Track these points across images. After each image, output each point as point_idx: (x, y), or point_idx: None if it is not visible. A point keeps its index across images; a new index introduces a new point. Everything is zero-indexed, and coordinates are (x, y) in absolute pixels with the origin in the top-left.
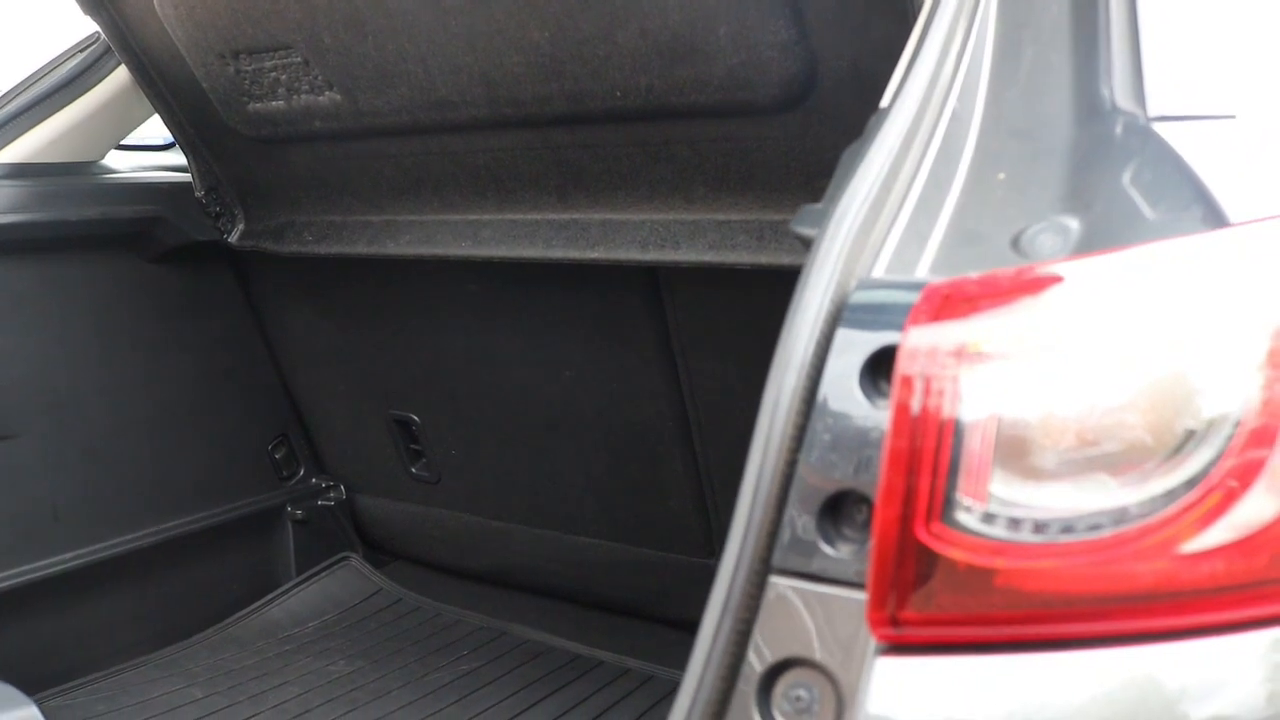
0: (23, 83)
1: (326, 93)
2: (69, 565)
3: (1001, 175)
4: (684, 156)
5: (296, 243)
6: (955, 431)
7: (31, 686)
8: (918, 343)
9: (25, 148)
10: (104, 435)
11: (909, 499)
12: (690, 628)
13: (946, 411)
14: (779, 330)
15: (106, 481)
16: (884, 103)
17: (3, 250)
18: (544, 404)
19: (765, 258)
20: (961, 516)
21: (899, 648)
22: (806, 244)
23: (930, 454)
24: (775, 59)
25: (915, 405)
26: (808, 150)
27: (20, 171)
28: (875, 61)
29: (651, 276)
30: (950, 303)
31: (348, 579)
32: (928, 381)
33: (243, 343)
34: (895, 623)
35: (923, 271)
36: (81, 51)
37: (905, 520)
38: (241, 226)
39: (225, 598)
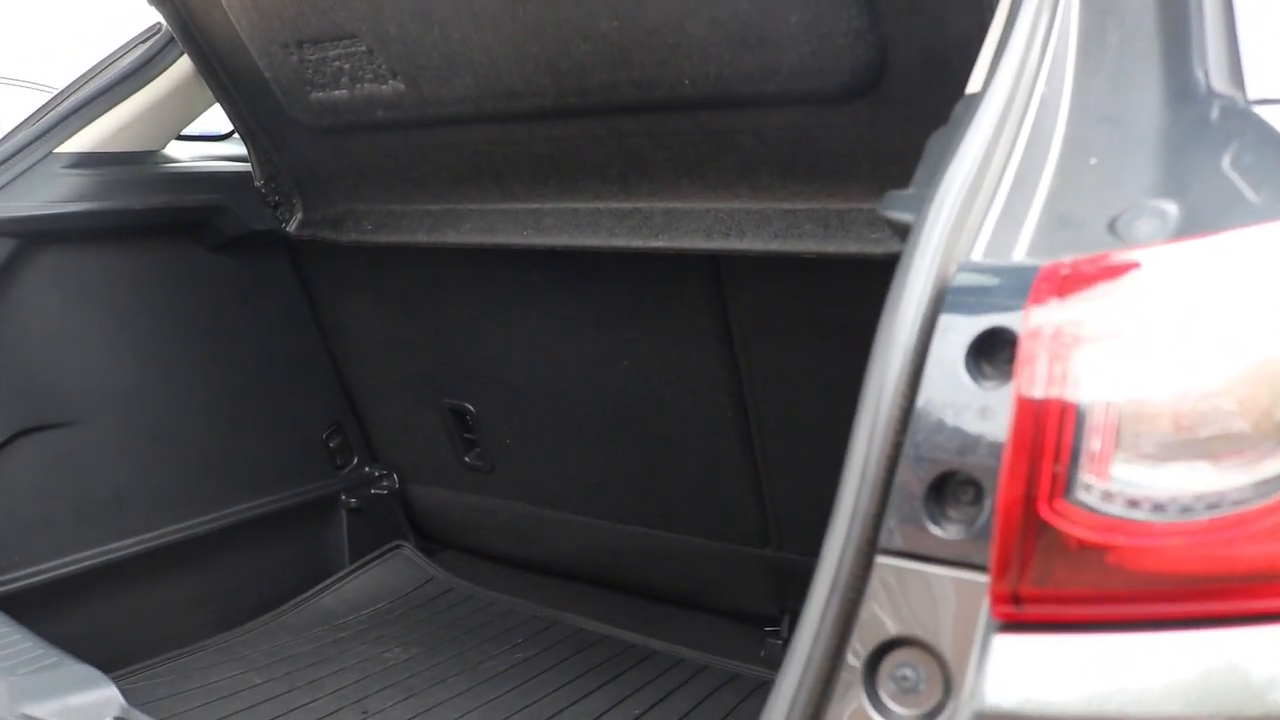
0: (87, 73)
1: (390, 82)
2: (131, 551)
3: (1093, 160)
4: (750, 145)
5: (355, 232)
6: (1077, 411)
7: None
8: (1040, 323)
9: (90, 137)
10: (165, 423)
11: (1032, 477)
12: (744, 617)
13: (1070, 391)
14: (840, 321)
15: (167, 469)
16: (972, 88)
17: (68, 238)
18: (601, 394)
19: (832, 246)
20: (1083, 495)
21: (1017, 625)
22: (899, 230)
23: (1054, 433)
24: (846, 46)
25: (1038, 385)
26: (876, 138)
27: (86, 161)
28: (946, 49)
29: (713, 266)
30: (1070, 283)
31: (400, 568)
32: (1051, 362)
33: (298, 331)
34: (1016, 600)
35: (1020, 255)
36: (145, 42)
37: (1029, 498)
38: (300, 216)
39: (281, 585)
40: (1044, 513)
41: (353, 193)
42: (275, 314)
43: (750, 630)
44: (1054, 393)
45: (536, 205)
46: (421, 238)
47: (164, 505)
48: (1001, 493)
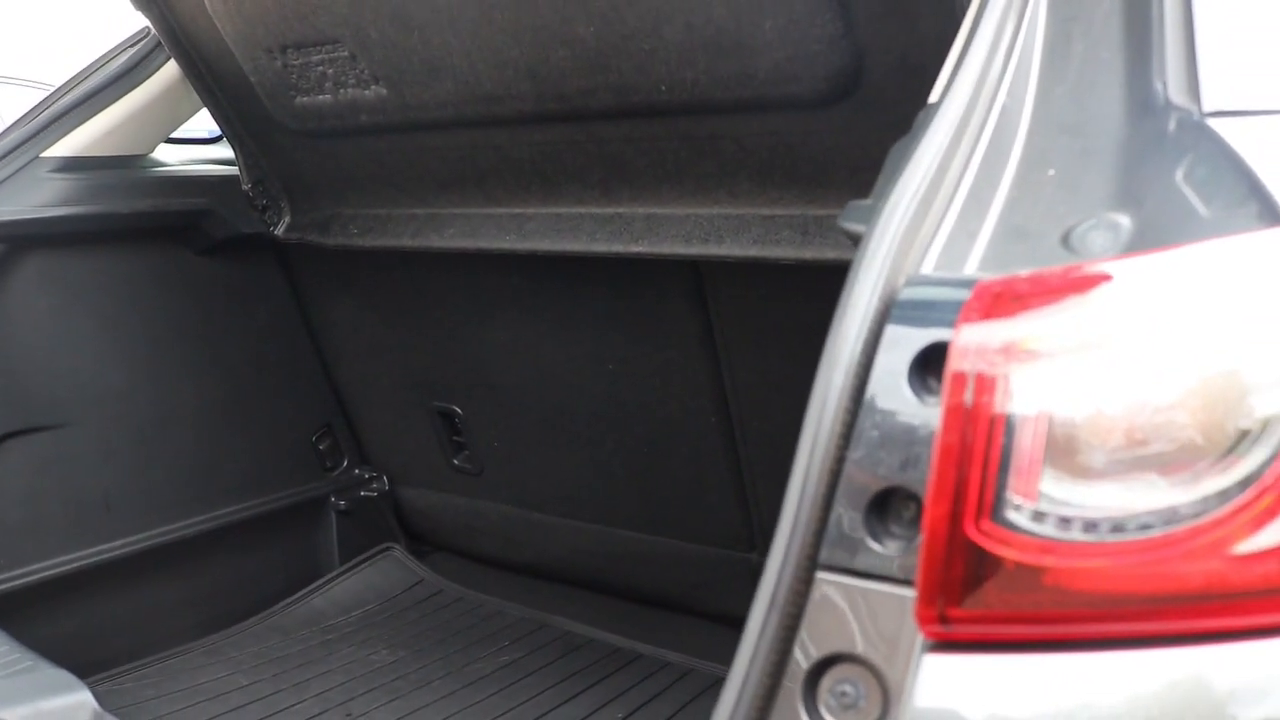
0: (75, 77)
1: (373, 87)
2: (119, 553)
3: (1051, 172)
4: (729, 151)
5: (342, 235)
6: (1006, 429)
7: (80, 672)
8: (969, 340)
9: (77, 141)
10: (153, 425)
11: (959, 496)
12: (729, 621)
13: (997, 409)
14: (823, 326)
15: (156, 471)
16: (932, 98)
17: (56, 242)
18: (586, 398)
19: (809, 253)
20: (1011, 515)
21: (947, 645)
22: (855, 240)
23: (981, 451)
24: (822, 53)
25: (966, 403)
26: (853, 144)
27: (73, 165)
28: (923, 55)
29: (695, 272)
30: (1001, 300)
31: (390, 570)
32: (979, 379)
33: (287, 334)
34: (944, 620)
35: (972, 268)
36: (132, 47)
37: (955, 518)
38: (287, 219)
39: (270, 587)
40: (970, 532)
41: (339, 197)
42: (264, 317)
43: (734, 633)
44: (982, 409)
45: (519, 210)
46: (406, 242)
47: (153, 507)
48: (928, 511)
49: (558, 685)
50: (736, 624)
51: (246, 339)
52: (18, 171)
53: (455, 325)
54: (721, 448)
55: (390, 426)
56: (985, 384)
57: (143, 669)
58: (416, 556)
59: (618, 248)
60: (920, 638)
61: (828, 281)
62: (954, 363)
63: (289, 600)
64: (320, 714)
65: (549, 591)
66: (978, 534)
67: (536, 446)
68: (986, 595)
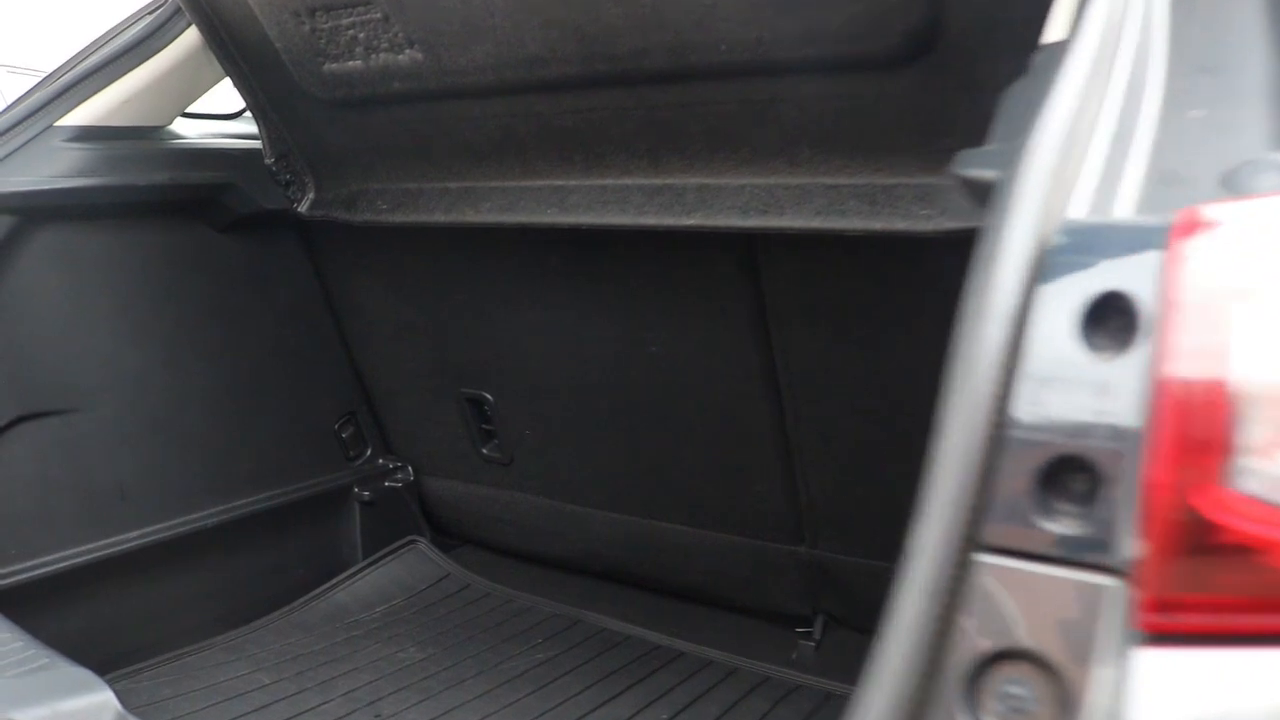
0: (92, 44)
1: (406, 51)
2: (135, 544)
3: (1197, 113)
4: (790, 116)
5: (370, 211)
6: (1232, 383)
7: (96, 669)
8: (1181, 285)
9: (93, 110)
10: (169, 410)
11: (1182, 461)
12: (774, 617)
13: (1224, 361)
14: (885, 303)
15: (172, 459)
16: (1055, 36)
17: (69, 215)
18: (625, 382)
19: (879, 223)
20: (1245, 482)
21: (1163, 637)
22: (978, 190)
23: (1205, 409)
24: (898, 8)
25: (1185, 356)
26: (927, 108)
27: (88, 134)
28: (1007, 9)
29: (747, 245)
30: (1215, 239)
31: (415, 563)
32: (1199, 329)
33: (310, 316)
34: (1162, 608)
35: (1125, 213)
36: (151, 13)
37: (1178, 487)
38: (312, 195)
39: (291, 581)
40: (1198, 503)
41: (367, 170)
42: (286, 298)
43: (780, 631)
44: (1205, 364)
45: (561, 182)
46: (439, 217)
47: (169, 497)
48: (1148, 480)
49: (597, 684)
50: (781, 620)
51: (267, 321)
52: (30, 141)
53: (487, 307)
54: (770, 434)
55: (416, 414)
56: (1207, 332)
57: (160, 666)
58: (442, 550)
59: (669, 221)
60: (1122, 629)
61: (890, 256)
62: (1162, 310)
63: (311, 594)
64: (349, 714)
65: (582, 586)
66: (1207, 504)
67: (571, 434)
68: (1213, 577)
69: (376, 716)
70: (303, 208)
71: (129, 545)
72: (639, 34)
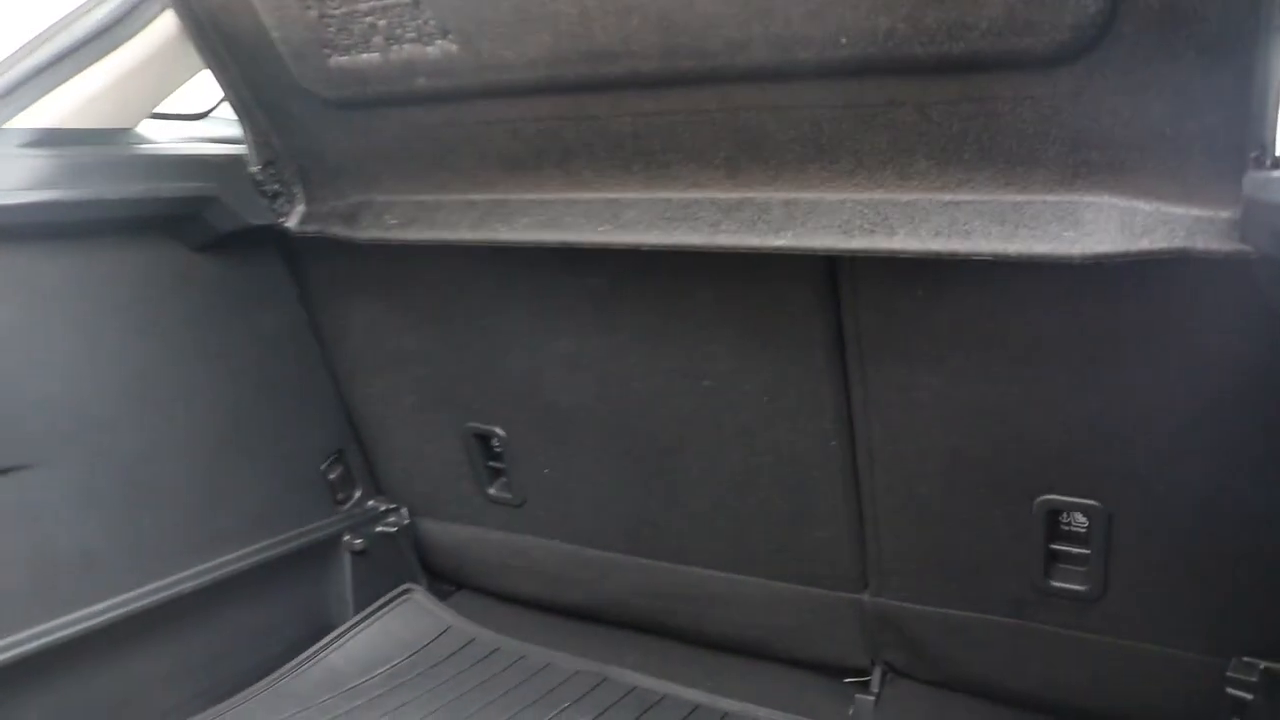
0: (45, 33)
1: (438, 41)
2: (103, 620)
3: None
4: (908, 122)
5: (376, 227)
6: None
7: None
8: None
9: (51, 111)
10: (141, 461)
11: None
12: (826, 669)
13: None
14: (994, 333)
15: (144, 517)
16: None
17: (25, 235)
18: (672, 418)
19: (1015, 246)
20: None
21: None
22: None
23: None
24: None
25: None
26: (1078, 114)
27: (46, 139)
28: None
29: (829, 268)
30: None
31: (412, 616)
32: None
33: (295, 346)
34: None
35: None
36: None
37: None
38: (302, 208)
39: (278, 644)
40: None
41: (372, 180)
42: (269, 325)
43: (833, 684)
44: None
45: (615, 195)
46: (465, 234)
47: (141, 561)
48: None
49: None
50: (834, 672)
51: (249, 353)
52: None
53: (506, 334)
54: (839, 476)
55: (412, 451)
56: None
57: None
58: (439, 597)
59: (752, 241)
60: None
61: (992, 282)
62: None
63: (301, 659)
64: None
65: (605, 637)
66: None
67: (599, 475)
68: None
69: None
70: (291, 222)
71: (97, 621)
72: (739, 24)
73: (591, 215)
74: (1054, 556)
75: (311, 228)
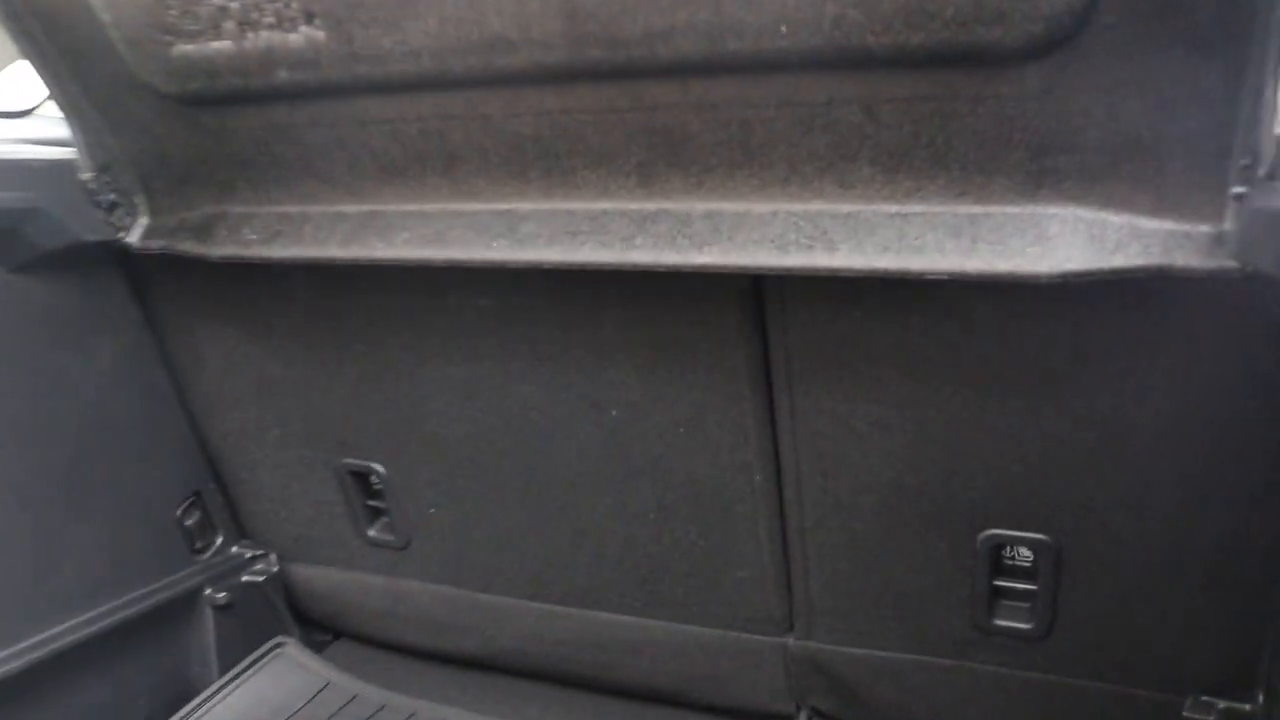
0: None
1: (303, 27)
2: None
3: None
4: (851, 123)
5: (233, 243)
6: None
7: None
8: None
9: None
10: None
11: None
12: (748, 714)
13: None
14: (952, 357)
15: None
16: None
17: None
18: (575, 451)
19: (974, 264)
20: None
21: None
22: None
23: None
24: None
25: None
26: (1046, 115)
27: None
28: None
29: (754, 287)
30: None
31: (286, 673)
32: None
33: (141, 377)
34: None
35: None
36: None
37: None
38: (145, 221)
39: None
40: None
41: (226, 189)
42: (109, 355)
43: None
44: None
45: (510, 205)
46: (336, 252)
47: None
48: None
49: None
50: (757, 718)
51: (86, 387)
52: None
53: (384, 361)
54: (763, 511)
55: (279, 491)
56: None
57: None
58: (315, 649)
59: (672, 258)
60: None
61: (935, 303)
62: None
63: None
64: None
65: (503, 689)
66: None
67: (493, 514)
68: None
69: None
70: (132, 237)
71: None
72: (661, 10)
73: (483, 229)
74: (997, 593)
75: (156, 244)
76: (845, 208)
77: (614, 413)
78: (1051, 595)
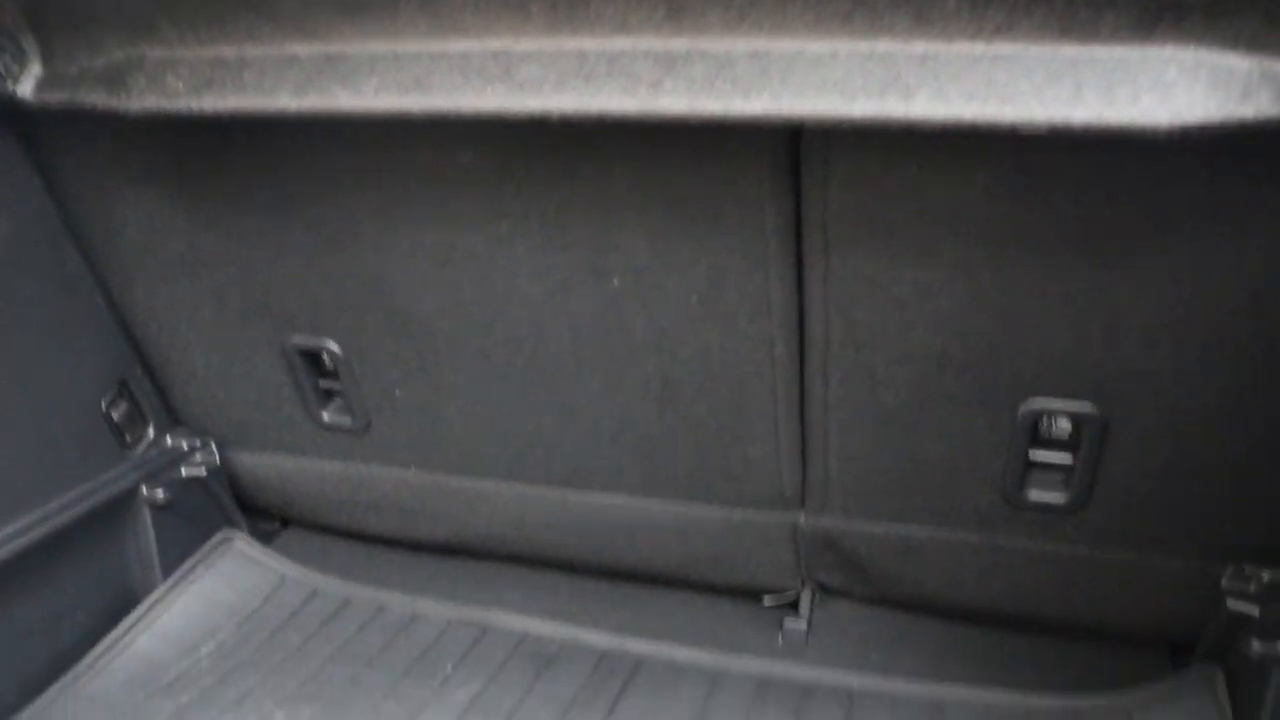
0: None
1: None
2: None
3: None
4: None
5: (154, 93)
6: None
7: None
8: None
9: None
10: None
11: None
12: (747, 594)
13: None
14: (1017, 220)
15: None
16: None
17: None
18: (566, 324)
19: (1080, 113)
20: None
21: None
22: None
23: None
24: None
25: None
26: None
27: None
28: None
29: (792, 139)
30: None
31: (236, 570)
32: None
33: (47, 254)
34: None
35: None
36: None
37: None
38: (38, 69)
39: (69, 635)
40: None
41: (143, 27)
42: (3, 234)
43: (758, 610)
44: None
45: (505, 44)
46: (287, 102)
47: None
48: None
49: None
50: (757, 596)
51: None
52: None
53: (341, 227)
54: (783, 386)
55: (217, 374)
56: None
57: None
58: (263, 540)
59: (711, 106)
60: None
61: (1031, 156)
62: None
63: (103, 648)
64: None
65: (478, 575)
66: None
67: (470, 394)
68: None
69: None
70: (24, 89)
71: None
72: None
73: (473, 73)
74: (1031, 466)
75: (56, 96)
76: (919, 47)
77: (616, 281)
78: (1091, 467)
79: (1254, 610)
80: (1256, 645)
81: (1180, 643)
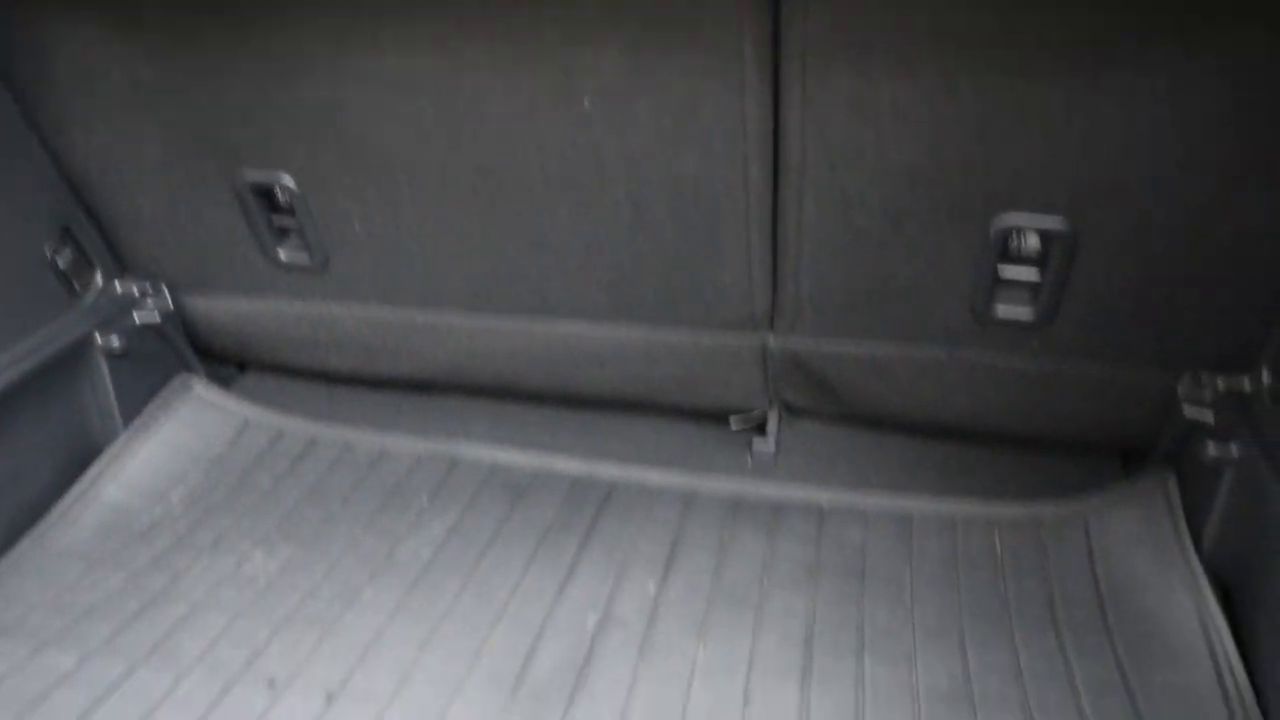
0: None
1: None
2: None
3: None
4: None
5: None
6: None
7: None
8: None
9: None
10: None
11: None
12: (712, 416)
13: None
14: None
15: None
16: None
17: None
18: (533, 149)
19: None
20: None
21: None
22: None
23: None
24: None
25: None
26: None
27: None
28: None
29: None
30: None
31: (198, 415)
32: None
33: None
34: None
35: None
36: None
37: None
38: None
39: (31, 489)
40: None
41: None
42: None
43: (725, 432)
44: None
45: None
46: None
47: None
48: None
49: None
50: (721, 417)
51: None
52: None
53: (291, 55)
54: (756, 208)
55: (165, 215)
56: None
57: None
58: (222, 385)
59: None
60: None
61: None
62: None
63: (67, 502)
64: (230, 686)
65: (443, 408)
66: None
67: (433, 226)
68: None
69: (270, 683)
70: None
71: None
72: None
73: None
74: (999, 282)
75: None
76: None
77: (586, 103)
78: (1060, 281)
79: (1208, 416)
80: (1211, 448)
81: (1135, 451)
